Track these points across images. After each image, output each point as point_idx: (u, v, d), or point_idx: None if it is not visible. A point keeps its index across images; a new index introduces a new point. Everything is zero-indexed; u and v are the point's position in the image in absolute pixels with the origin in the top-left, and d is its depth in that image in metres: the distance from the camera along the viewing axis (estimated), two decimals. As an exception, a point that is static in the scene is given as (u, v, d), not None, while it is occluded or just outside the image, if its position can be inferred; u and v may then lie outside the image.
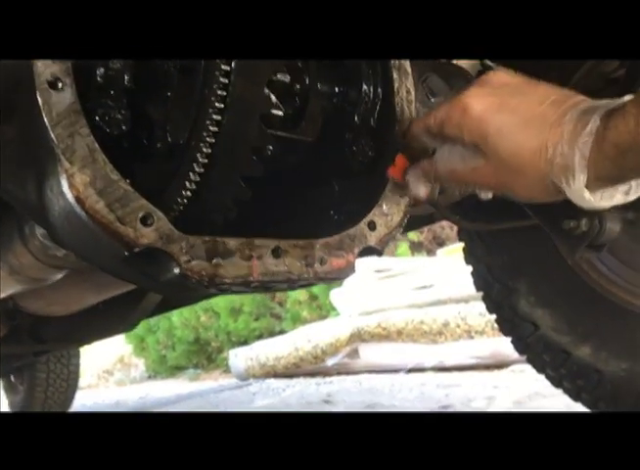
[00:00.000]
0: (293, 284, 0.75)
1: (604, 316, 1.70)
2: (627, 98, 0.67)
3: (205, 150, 0.65)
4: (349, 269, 0.80)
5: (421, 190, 0.83)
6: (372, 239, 0.82)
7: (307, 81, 0.82)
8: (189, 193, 0.67)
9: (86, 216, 0.59)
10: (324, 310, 5.72)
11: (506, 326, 1.94)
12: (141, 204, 0.62)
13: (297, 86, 0.81)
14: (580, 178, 0.67)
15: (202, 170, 0.66)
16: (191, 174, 0.66)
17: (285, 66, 0.69)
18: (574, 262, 1.64)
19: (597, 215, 1.09)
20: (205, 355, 7.36)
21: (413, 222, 1.90)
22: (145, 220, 0.62)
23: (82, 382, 5.21)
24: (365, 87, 0.86)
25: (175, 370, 7.64)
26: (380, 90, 0.87)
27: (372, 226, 0.83)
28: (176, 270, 0.64)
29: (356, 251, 0.81)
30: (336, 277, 0.78)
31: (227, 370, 5.87)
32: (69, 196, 0.59)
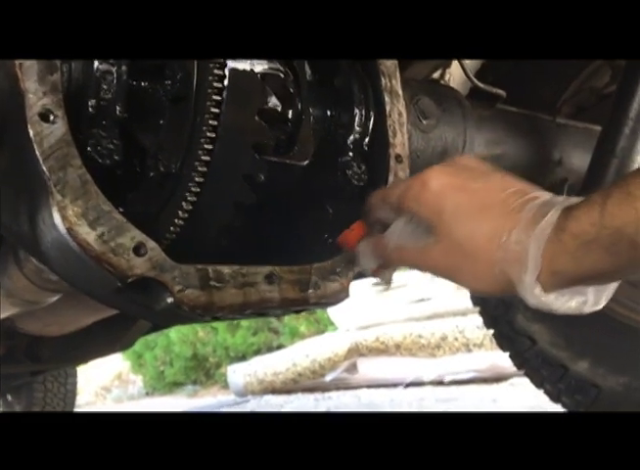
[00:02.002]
0: (287, 310, 0.75)
1: (601, 331, 1.70)
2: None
3: (197, 179, 0.65)
4: (344, 293, 0.80)
5: (370, 265, 0.78)
6: (366, 262, 0.82)
7: (299, 106, 0.82)
8: (182, 221, 0.67)
9: (78, 248, 0.59)
10: (322, 325, 5.70)
11: (504, 341, 1.94)
12: (133, 234, 0.62)
13: (289, 112, 0.81)
14: (533, 270, 0.61)
15: (194, 199, 0.66)
16: (183, 203, 0.66)
17: (276, 92, 0.69)
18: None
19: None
20: (203, 371, 7.32)
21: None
22: (137, 250, 0.62)
23: (80, 399, 5.17)
24: (357, 111, 0.87)
25: (173, 386, 7.59)
26: (372, 113, 0.88)
27: (366, 250, 0.82)
28: (170, 300, 0.64)
29: (350, 275, 0.80)
30: (330, 302, 0.78)
31: (225, 386, 5.84)
32: (61, 228, 0.59)
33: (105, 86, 0.65)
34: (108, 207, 0.62)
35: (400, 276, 5.01)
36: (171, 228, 0.67)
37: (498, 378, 3.64)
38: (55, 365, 2.66)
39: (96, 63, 0.65)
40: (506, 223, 0.64)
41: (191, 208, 0.66)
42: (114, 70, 0.65)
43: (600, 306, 0.65)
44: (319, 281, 0.77)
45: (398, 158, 0.88)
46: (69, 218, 0.59)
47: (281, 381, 4.66)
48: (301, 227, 0.88)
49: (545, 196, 0.65)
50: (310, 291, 0.76)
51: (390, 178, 0.87)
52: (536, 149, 1.14)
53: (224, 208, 0.69)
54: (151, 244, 0.63)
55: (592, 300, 0.63)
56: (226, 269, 0.68)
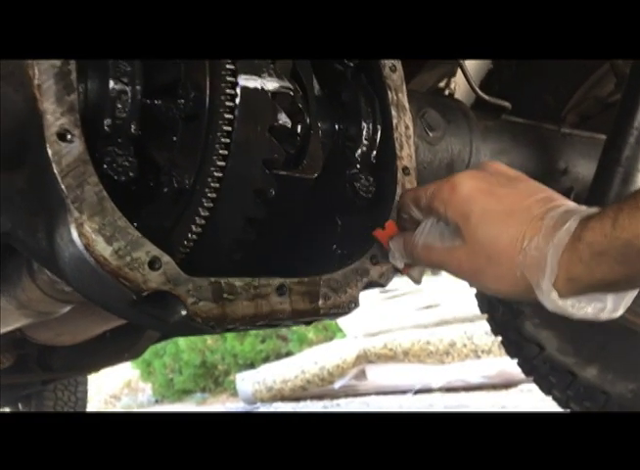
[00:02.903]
0: (298, 321, 0.77)
1: (609, 338, 1.70)
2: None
3: (209, 195, 0.66)
4: (354, 304, 0.81)
5: (398, 262, 0.82)
6: (375, 273, 0.84)
7: (308, 121, 0.84)
8: (195, 236, 0.69)
9: (95, 263, 0.61)
10: (330, 332, 5.71)
11: (512, 348, 1.95)
12: (148, 249, 0.64)
13: (299, 126, 0.83)
14: (550, 276, 0.64)
15: (207, 214, 0.67)
16: (196, 218, 0.67)
17: (286, 109, 0.71)
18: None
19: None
20: (212, 379, 7.33)
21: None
22: (152, 265, 0.64)
23: (90, 407, 5.18)
24: (364, 124, 0.89)
25: (182, 394, 7.60)
26: (379, 127, 0.90)
27: (374, 260, 0.84)
28: (183, 312, 0.65)
29: (360, 285, 0.82)
30: (340, 313, 0.79)
31: (234, 393, 5.85)
32: (79, 244, 0.61)
33: (120, 105, 0.67)
34: (123, 222, 0.63)
35: (408, 283, 5.01)
36: (185, 242, 0.69)
37: (507, 384, 3.64)
38: (66, 374, 2.69)
39: (111, 83, 0.67)
40: (528, 229, 0.67)
41: (204, 222, 0.68)
42: (128, 89, 0.67)
43: (618, 314, 0.68)
44: (329, 292, 0.78)
45: (405, 170, 0.90)
46: (87, 235, 0.61)
47: (289, 388, 4.67)
48: (311, 239, 0.90)
49: (568, 205, 0.69)
50: (320, 302, 0.77)
51: (398, 190, 0.88)
52: (542, 158, 1.15)
53: (236, 222, 0.70)
54: (165, 258, 0.65)
55: (610, 307, 0.66)
56: (238, 282, 0.70)
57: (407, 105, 0.92)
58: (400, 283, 4.94)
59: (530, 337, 1.86)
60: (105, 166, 0.66)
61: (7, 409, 3.72)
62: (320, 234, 0.91)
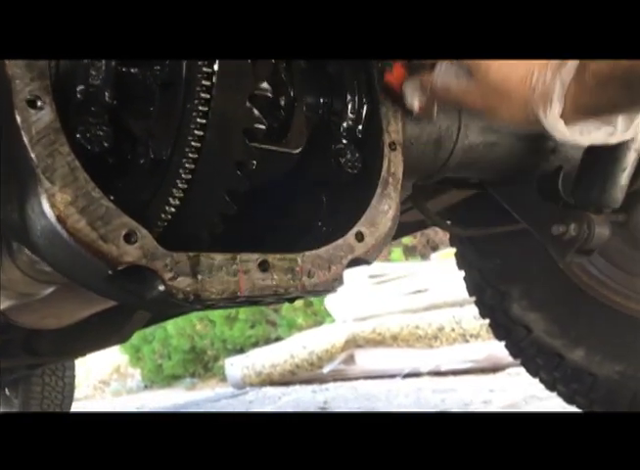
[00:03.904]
0: (280, 298, 0.75)
1: (596, 319, 1.70)
2: None
3: (187, 166, 0.64)
4: (338, 281, 0.79)
5: (415, 102, 0.86)
6: (360, 250, 0.82)
7: (292, 93, 0.82)
8: (173, 209, 0.67)
9: (68, 236, 0.59)
10: (319, 317, 5.71)
11: (499, 330, 1.94)
12: (124, 221, 0.62)
13: (282, 99, 0.81)
14: (557, 106, 0.70)
15: (185, 186, 0.65)
16: (174, 190, 0.65)
17: (268, 78, 0.69)
18: (566, 266, 1.64)
19: (586, 220, 1.09)
20: (201, 364, 7.33)
21: (404, 228, 1.90)
22: (128, 238, 0.62)
23: (79, 393, 5.16)
24: (350, 98, 0.86)
25: (172, 379, 7.60)
26: (365, 101, 0.87)
27: (359, 237, 0.82)
28: (161, 287, 0.63)
29: (344, 262, 0.80)
30: (324, 290, 0.78)
31: (224, 378, 5.84)
32: (51, 215, 0.58)
33: (93, 72, 0.64)
34: (97, 193, 0.61)
35: (396, 268, 5.01)
36: (163, 216, 0.67)
37: (495, 368, 3.65)
38: (52, 359, 2.66)
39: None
40: (536, 67, 0.71)
41: (182, 195, 0.66)
42: (102, 56, 0.65)
43: (629, 136, 0.75)
44: (313, 269, 0.76)
45: (392, 145, 0.88)
46: (58, 206, 0.58)
47: (279, 373, 4.67)
48: (295, 215, 0.88)
49: None
50: (304, 278, 0.75)
51: (385, 165, 0.86)
52: (530, 137, 1.13)
53: (216, 195, 0.68)
54: (142, 231, 0.63)
55: (621, 128, 0.73)
56: (219, 256, 0.68)
57: (394, 78, 0.90)
58: (389, 268, 4.93)
59: (518, 319, 1.85)
60: (78, 136, 0.63)
61: (-7, 393, 3.70)
62: (305, 210, 0.89)
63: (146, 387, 8.06)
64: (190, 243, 0.69)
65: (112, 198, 0.68)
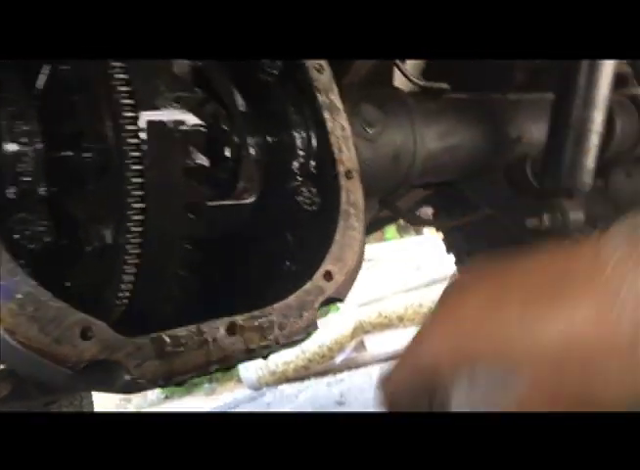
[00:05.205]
0: (255, 356, 0.74)
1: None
2: None
3: (133, 250, 0.62)
4: (312, 327, 0.78)
5: None
6: (330, 289, 0.80)
7: (236, 141, 0.80)
8: (127, 293, 0.65)
9: (21, 347, 0.57)
10: (324, 308, 5.70)
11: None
12: (77, 318, 0.60)
13: (226, 149, 0.79)
14: None
15: (135, 270, 0.63)
16: (124, 276, 0.63)
17: (200, 144, 0.66)
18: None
19: (558, 208, 1.08)
20: (216, 369, 7.35)
21: (383, 221, 1.89)
22: (84, 334, 0.60)
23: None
24: (296, 134, 0.84)
25: (191, 387, 7.62)
26: (312, 133, 0.85)
27: (328, 277, 0.80)
28: (127, 377, 0.62)
29: (316, 306, 0.78)
30: (299, 339, 0.76)
31: (241, 380, 5.85)
32: (1, 329, 0.57)
33: (22, 169, 0.62)
34: (45, 296, 0.59)
35: (393, 247, 5.00)
36: (117, 301, 0.65)
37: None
38: (66, 394, 2.67)
39: (8, 147, 0.62)
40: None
41: (133, 278, 0.64)
42: (28, 150, 0.63)
43: None
44: (284, 321, 0.75)
45: (348, 173, 0.86)
46: (5, 318, 0.57)
47: (292, 369, 4.68)
48: (261, 261, 0.86)
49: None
50: (276, 332, 0.74)
51: (343, 197, 0.84)
52: (492, 131, 1.11)
53: (169, 272, 0.66)
54: (97, 324, 0.61)
55: None
56: (182, 332, 0.66)
57: (340, 105, 0.87)
58: (385, 249, 4.92)
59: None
60: (16, 237, 0.61)
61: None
62: (271, 253, 0.87)
63: (167, 397, 8.09)
64: (154, 320, 0.68)
65: (67, 285, 0.66)
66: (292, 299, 0.77)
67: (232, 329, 0.70)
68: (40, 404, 2.64)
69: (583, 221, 1.08)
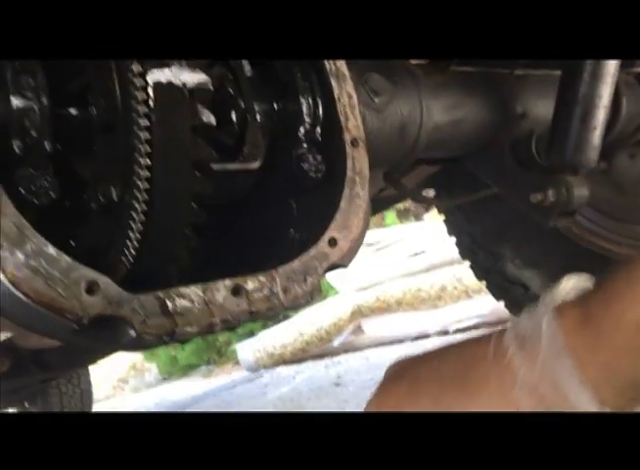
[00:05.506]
0: (259, 318, 0.74)
1: (590, 270, 1.69)
2: None
3: (139, 207, 0.62)
4: (315, 292, 0.78)
5: None
6: (335, 256, 0.80)
7: (242, 106, 0.79)
8: (133, 251, 0.65)
9: (26, 298, 0.57)
10: (323, 290, 5.72)
11: (497, 291, 1.95)
12: (82, 273, 0.60)
13: (233, 113, 0.78)
14: None
15: (141, 228, 0.63)
16: (130, 233, 0.63)
17: (208, 103, 0.66)
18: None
19: (563, 184, 1.07)
20: (214, 351, 7.39)
21: (387, 201, 1.89)
22: (90, 289, 0.60)
23: (99, 394, 5.20)
24: (303, 100, 0.84)
25: (188, 369, 7.67)
26: (319, 100, 0.85)
27: (333, 243, 0.80)
28: (132, 333, 0.62)
29: (320, 272, 0.79)
30: (302, 303, 0.76)
31: (238, 362, 5.89)
32: (4, 281, 0.57)
33: (28, 124, 0.62)
34: (51, 249, 0.59)
35: (393, 232, 5.00)
36: (124, 258, 0.65)
37: (501, 321, 3.67)
38: (64, 371, 2.68)
39: (14, 101, 0.61)
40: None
41: (139, 236, 0.64)
42: (35, 104, 0.62)
43: None
44: (288, 284, 0.75)
45: (354, 142, 0.86)
46: (11, 270, 0.57)
47: (290, 352, 4.70)
48: (266, 227, 0.86)
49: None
50: (280, 295, 0.74)
51: (349, 165, 0.84)
52: (498, 105, 1.11)
53: (176, 231, 0.66)
54: (103, 280, 0.61)
55: None
56: (188, 290, 0.66)
57: (347, 73, 0.87)
58: (385, 234, 4.92)
59: (514, 278, 1.86)
60: (22, 192, 0.61)
61: (13, 410, 3.72)
62: (275, 220, 0.87)
63: (164, 379, 8.13)
64: (158, 280, 0.68)
65: (72, 243, 0.66)
66: (296, 263, 0.77)
67: (237, 290, 0.70)
68: (38, 381, 2.65)
69: (587, 197, 1.08)
